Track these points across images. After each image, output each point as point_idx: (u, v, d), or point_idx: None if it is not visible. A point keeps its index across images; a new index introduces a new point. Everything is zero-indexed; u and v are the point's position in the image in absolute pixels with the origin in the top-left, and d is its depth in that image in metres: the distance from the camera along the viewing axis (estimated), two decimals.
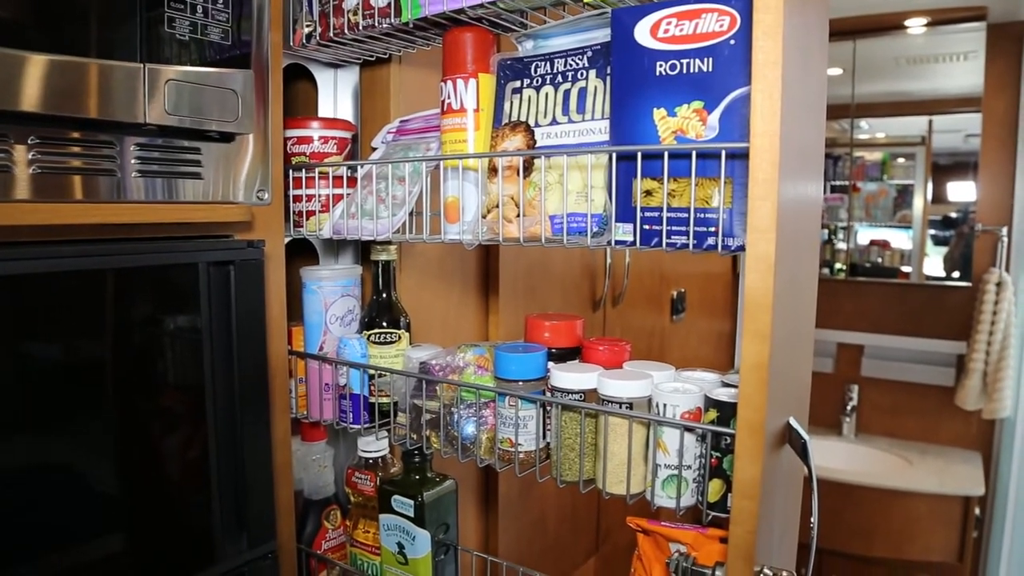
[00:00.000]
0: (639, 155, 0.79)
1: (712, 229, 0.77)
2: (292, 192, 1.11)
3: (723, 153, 0.74)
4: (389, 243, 1.12)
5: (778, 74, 0.66)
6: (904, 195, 3.15)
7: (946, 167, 2.94)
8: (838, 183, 3.17)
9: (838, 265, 3.13)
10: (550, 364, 0.91)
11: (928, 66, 2.95)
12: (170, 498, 0.92)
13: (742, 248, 0.75)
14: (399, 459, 1.16)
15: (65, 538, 0.81)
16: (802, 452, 0.77)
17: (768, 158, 0.67)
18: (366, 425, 1.08)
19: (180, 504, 0.93)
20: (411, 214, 1.02)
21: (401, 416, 1.03)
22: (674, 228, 0.79)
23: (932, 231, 2.96)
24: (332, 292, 1.11)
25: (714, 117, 0.77)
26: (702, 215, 0.77)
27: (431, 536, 1.08)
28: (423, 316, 1.29)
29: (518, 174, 0.91)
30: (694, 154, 0.76)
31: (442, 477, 1.12)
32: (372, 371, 1.05)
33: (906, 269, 2.97)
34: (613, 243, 0.83)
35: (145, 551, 0.89)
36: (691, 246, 0.77)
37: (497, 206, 0.92)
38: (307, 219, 1.11)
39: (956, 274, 2.82)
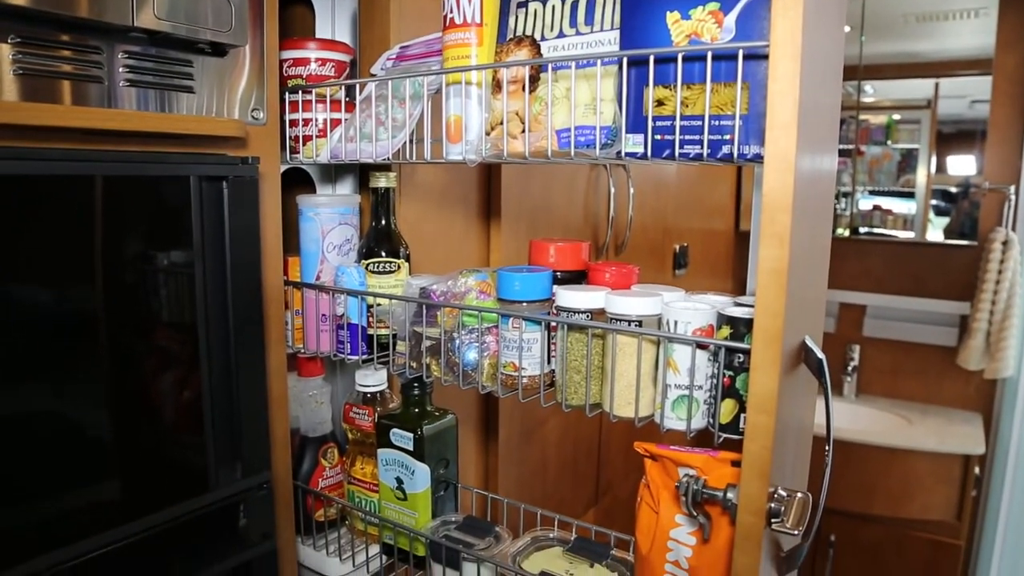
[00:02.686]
0: (651, 59, 0.75)
1: (727, 137, 0.73)
2: (288, 117, 1.08)
3: (740, 53, 0.70)
4: (388, 169, 1.09)
5: None
6: (908, 159, 3.11)
7: (950, 136, 2.90)
8: (842, 147, 3.13)
9: (840, 230, 3.10)
10: (555, 286, 0.88)
11: (937, 24, 2.90)
12: (162, 426, 0.89)
13: (759, 158, 0.72)
14: (398, 395, 1.13)
15: (54, 466, 0.78)
16: (818, 370, 0.74)
17: (790, 53, 0.64)
18: (364, 356, 1.05)
19: (173, 432, 0.90)
20: (412, 141, 0.98)
21: (400, 344, 1.00)
22: (687, 138, 0.76)
23: (934, 201, 2.93)
24: (329, 219, 1.07)
25: (730, 19, 0.73)
26: (716, 123, 0.74)
27: (431, 470, 1.05)
28: (423, 249, 1.26)
29: (523, 89, 0.87)
30: (709, 55, 0.72)
31: (442, 411, 1.09)
32: (371, 298, 1.02)
33: (908, 235, 2.93)
34: (623, 154, 0.79)
35: (137, 479, 0.87)
36: (705, 155, 0.74)
37: (501, 123, 0.89)
38: (304, 144, 1.08)
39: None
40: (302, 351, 1.12)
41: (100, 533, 0.81)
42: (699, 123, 0.74)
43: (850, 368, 2.84)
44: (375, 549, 1.15)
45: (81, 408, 0.81)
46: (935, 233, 2.88)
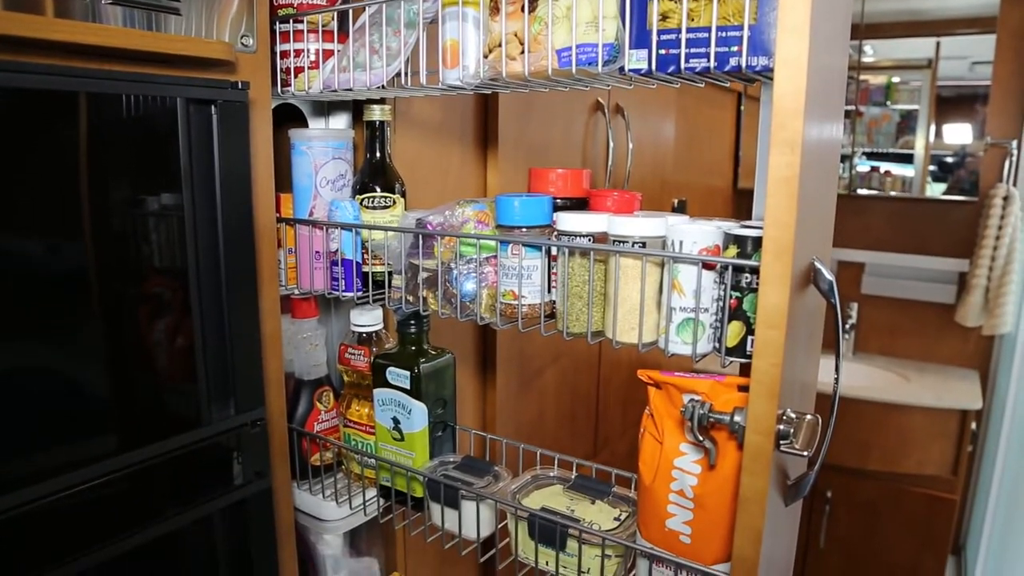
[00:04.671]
0: None
1: (735, 49, 0.70)
2: (279, 48, 1.04)
3: None
4: (383, 102, 1.05)
5: None
6: (907, 120, 3.08)
7: (950, 100, 2.87)
8: None
9: (838, 191, 3.07)
10: (556, 213, 0.85)
11: None
12: (154, 363, 0.87)
13: (767, 70, 0.69)
14: (394, 336, 1.11)
15: (43, 398, 0.76)
16: (828, 291, 0.72)
17: None
18: (359, 293, 1.02)
19: (165, 370, 0.88)
20: (407, 73, 0.95)
21: (396, 279, 0.97)
22: (693, 51, 0.73)
23: (932, 167, 2.90)
24: (322, 153, 1.04)
25: None
26: (723, 34, 0.71)
27: (428, 410, 1.03)
28: (419, 186, 1.23)
29: (522, 10, 0.84)
30: None
31: (439, 350, 1.07)
32: (365, 233, 0.99)
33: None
34: (626, 70, 0.76)
35: (129, 414, 0.84)
36: (712, 68, 0.71)
37: (500, 45, 0.85)
38: (295, 77, 1.04)
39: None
40: (296, 291, 1.10)
41: (94, 464, 0.79)
42: (705, 35, 0.71)
43: (848, 326, 2.83)
44: (372, 493, 1.14)
45: (67, 343, 0.78)
46: (934, 192, 2.87)
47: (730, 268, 0.72)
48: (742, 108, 2.81)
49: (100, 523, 0.81)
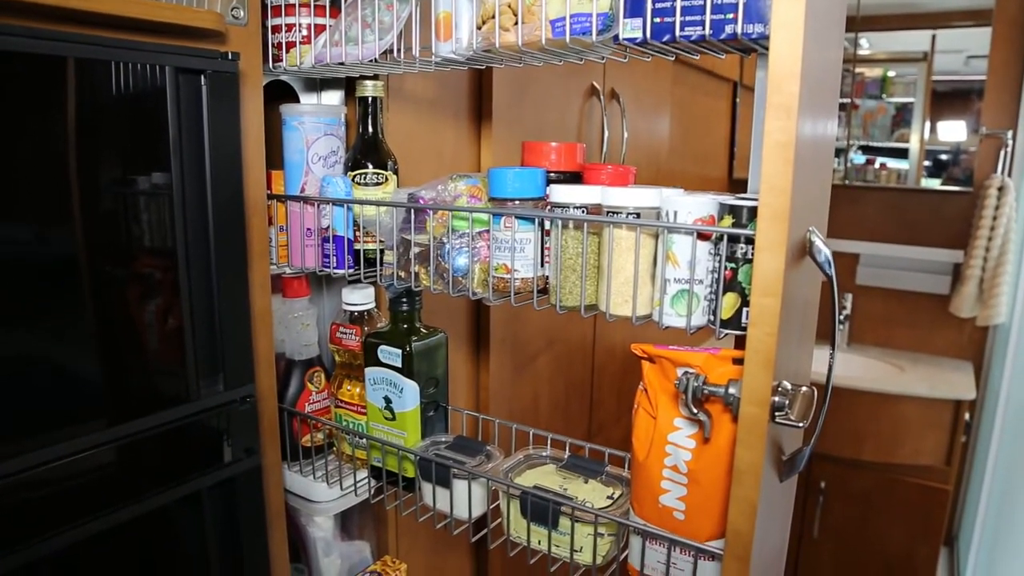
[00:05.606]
0: None
1: (731, 16, 0.69)
2: (271, 22, 1.03)
3: None
4: (376, 78, 1.04)
5: None
6: (903, 113, 3.08)
7: (944, 95, 2.87)
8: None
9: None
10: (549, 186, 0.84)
11: None
12: (143, 338, 0.86)
13: (763, 38, 0.68)
14: (386, 315, 1.10)
15: (33, 373, 0.75)
16: (825, 263, 0.71)
17: None
18: (351, 270, 1.01)
19: (154, 342, 0.87)
20: (400, 49, 0.94)
21: (388, 255, 0.96)
22: (688, 19, 0.72)
23: (927, 162, 2.90)
24: (314, 129, 1.03)
25: None
26: (719, 1, 0.70)
27: (420, 388, 1.02)
28: (412, 164, 1.22)
29: None
30: None
31: (432, 329, 1.06)
32: (357, 208, 0.98)
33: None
34: (620, 39, 0.75)
35: (119, 388, 0.83)
36: (707, 36, 0.70)
37: (493, 16, 0.84)
38: (287, 52, 1.03)
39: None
40: (287, 269, 1.08)
41: (82, 437, 0.78)
42: (700, 3, 0.70)
43: (842, 317, 2.83)
44: (363, 475, 1.13)
45: (54, 316, 0.77)
46: (929, 183, 2.87)
47: (725, 238, 0.71)
48: (737, 100, 2.80)
49: (89, 496, 0.80)
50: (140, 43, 0.79)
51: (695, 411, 0.72)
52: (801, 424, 0.67)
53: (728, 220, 0.71)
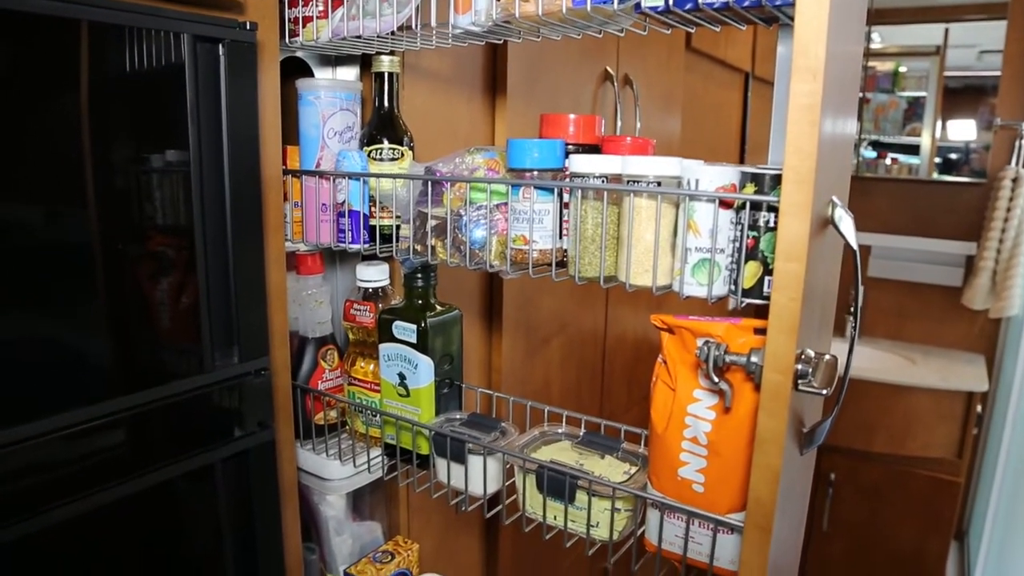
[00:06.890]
0: None
1: None
2: None
3: None
4: (392, 53, 1.04)
5: None
6: (914, 107, 3.06)
7: (957, 91, 2.85)
8: None
9: None
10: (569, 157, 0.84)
11: None
12: (157, 307, 0.85)
13: (788, 5, 0.68)
14: (400, 293, 1.09)
15: (45, 344, 0.75)
16: (847, 230, 0.70)
17: None
18: (366, 245, 1.01)
19: (170, 314, 0.87)
20: (417, 25, 0.93)
21: (404, 228, 0.96)
22: None
23: (938, 159, 2.88)
24: (330, 104, 1.03)
25: None
26: None
27: (434, 364, 1.02)
28: (427, 141, 1.21)
29: None
30: None
31: (446, 305, 1.05)
32: (372, 182, 0.98)
33: None
34: (643, 7, 0.75)
35: (132, 357, 0.83)
36: (731, 2, 0.70)
37: None
38: (303, 27, 1.02)
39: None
40: (301, 246, 1.08)
41: (96, 404, 0.78)
42: None
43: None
44: (376, 452, 1.12)
45: (73, 289, 0.77)
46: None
47: (747, 205, 0.70)
48: (748, 93, 2.78)
49: (103, 466, 0.80)
50: (157, 8, 0.79)
51: (716, 380, 0.72)
52: (825, 391, 0.66)
53: (751, 188, 0.71)
